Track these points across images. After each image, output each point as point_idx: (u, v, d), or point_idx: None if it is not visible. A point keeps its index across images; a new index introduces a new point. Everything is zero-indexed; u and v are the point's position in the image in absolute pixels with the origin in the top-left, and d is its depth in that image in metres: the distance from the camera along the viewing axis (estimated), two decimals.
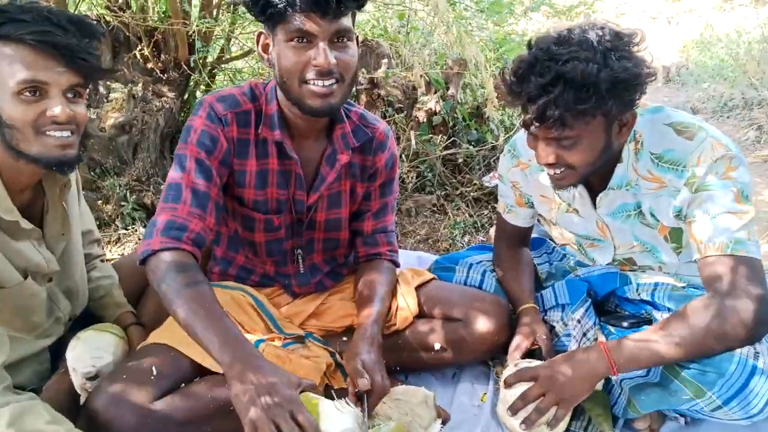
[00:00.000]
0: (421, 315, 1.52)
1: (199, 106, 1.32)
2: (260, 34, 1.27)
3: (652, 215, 1.36)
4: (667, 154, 1.28)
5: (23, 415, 1.04)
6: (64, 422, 1.07)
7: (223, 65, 3.31)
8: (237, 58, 3.37)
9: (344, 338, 1.49)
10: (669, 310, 1.39)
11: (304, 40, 1.18)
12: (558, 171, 1.27)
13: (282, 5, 1.15)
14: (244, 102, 1.33)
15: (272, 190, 1.38)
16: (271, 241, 1.45)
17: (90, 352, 1.29)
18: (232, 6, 3.12)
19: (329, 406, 1.03)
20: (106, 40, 2.75)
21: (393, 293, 1.51)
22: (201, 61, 2.87)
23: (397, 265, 1.59)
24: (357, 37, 1.27)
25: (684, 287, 1.43)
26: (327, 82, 1.20)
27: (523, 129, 1.31)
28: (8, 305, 1.21)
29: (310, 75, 1.20)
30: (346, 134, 1.40)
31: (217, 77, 3.32)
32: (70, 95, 1.12)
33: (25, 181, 1.20)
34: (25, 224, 1.20)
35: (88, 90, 1.20)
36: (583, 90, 1.12)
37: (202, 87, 3.25)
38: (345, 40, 1.21)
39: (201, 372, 1.27)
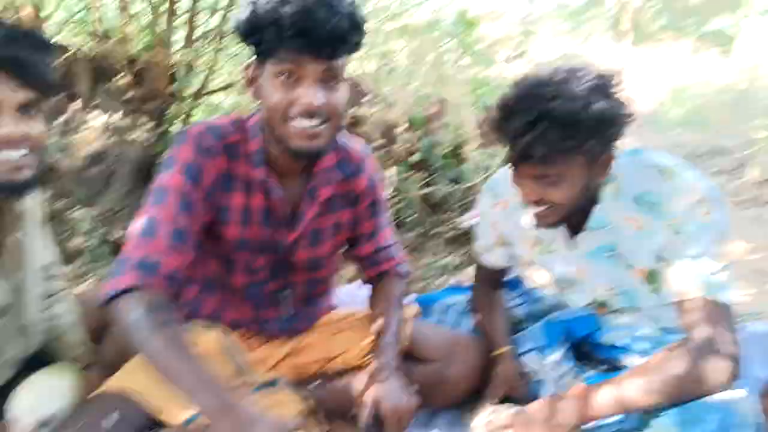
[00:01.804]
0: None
1: (185, 135, 1.26)
2: (249, 64, 1.23)
3: (630, 257, 1.36)
4: (646, 196, 1.28)
5: None
6: None
7: (202, 98, 3.30)
8: (218, 91, 3.36)
9: (318, 381, 1.44)
10: (645, 354, 1.37)
11: (293, 77, 1.14)
12: (541, 209, 1.28)
13: (274, 42, 1.11)
14: (232, 133, 1.29)
15: (255, 229, 1.33)
16: (251, 283, 1.39)
17: (41, 397, 1.20)
18: (218, 38, 3.14)
19: None
20: (83, 67, 2.73)
21: (402, 308, 1.49)
22: (181, 93, 2.85)
23: (405, 275, 1.56)
24: (348, 80, 1.23)
25: (660, 330, 1.42)
26: (312, 123, 1.15)
27: (507, 167, 1.31)
28: None
29: (294, 113, 1.14)
30: (329, 168, 1.37)
31: (195, 110, 3.30)
32: (23, 112, 1.06)
33: None
34: None
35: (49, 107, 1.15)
36: (567, 128, 1.14)
37: (181, 119, 3.23)
38: (335, 81, 1.17)
39: (158, 424, 1.20)
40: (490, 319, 1.58)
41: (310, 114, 1.15)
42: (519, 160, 1.21)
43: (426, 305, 1.71)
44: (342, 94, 1.20)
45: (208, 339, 1.38)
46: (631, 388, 1.17)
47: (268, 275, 1.40)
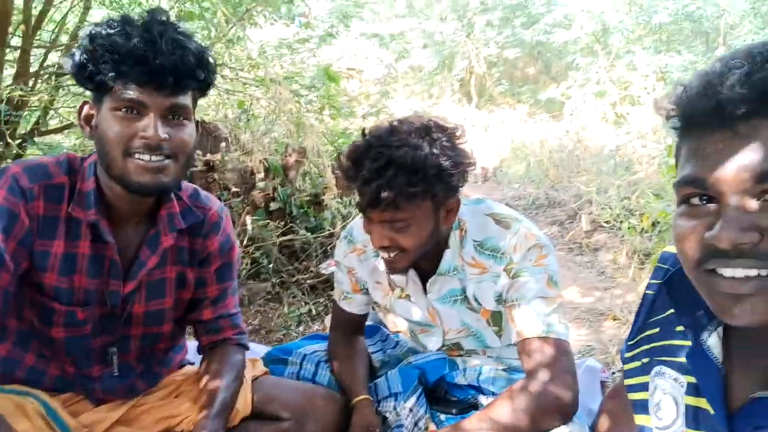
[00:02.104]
0: (250, 416, 1.38)
1: (0, 175, 1.12)
2: (84, 103, 1.15)
3: (476, 300, 1.42)
4: (487, 242, 1.37)
5: None
6: None
7: (36, 138, 2.99)
8: (55, 131, 3.08)
9: None
10: (493, 394, 1.43)
11: (135, 111, 1.08)
12: (391, 254, 1.31)
13: (111, 76, 1.05)
14: (57, 174, 1.16)
15: (80, 278, 1.19)
16: (72, 337, 1.22)
17: None
18: (54, 77, 2.89)
19: None
20: None
21: (241, 379, 1.37)
22: (10, 132, 2.56)
23: (246, 347, 1.45)
24: (197, 121, 1.19)
25: (505, 370, 1.50)
26: (155, 157, 1.09)
27: (359, 214, 1.34)
28: None
29: (136, 147, 1.08)
30: (173, 215, 1.26)
31: (28, 150, 2.98)
32: None
33: None
34: None
35: None
36: (412, 174, 1.19)
37: (9, 161, 2.89)
38: (181, 118, 1.13)
39: None
40: (348, 366, 1.55)
41: (152, 147, 1.09)
42: (368, 205, 1.24)
43: (282, 357, 1.65)
44: (189, 131, 1.15)
45: (24, 403, 1.20)
46: (482, 427, 1.21)
47: (94, 329, 1.25)
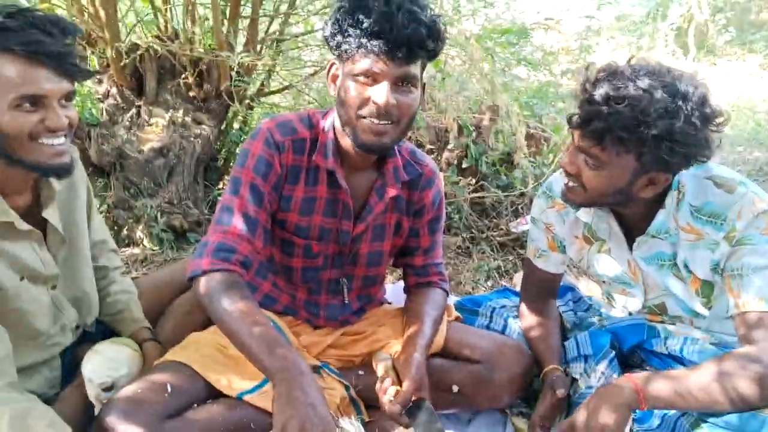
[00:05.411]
0: (441, 354, 1.49)
1: (258, 131, 1.34)
2: (332, 64, 1.29)
3: (686, 267, 1.33)
4: (706, 207, 1.26)
5: (24, 416, 1.03)
6: (64, 428, 1.07)
7: (261, 98, 3.40)
8: (276, 92, 3.45)
9: (360, 372, 1.46)
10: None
11: (370, 78, 1.20)
12: (571, 183, 1.29)
13: (354, 46, 1.18)
14: (301, 129, 1.36)
15: (318, 218, 1.39)
16: (308, 267, 1.45)
17: (106, 363, 1.29)
18: (275, 42, 3.23)
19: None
20: (151, 66, 2.86)
21: (441, 319, 1.51)
22: (241, 93, 2.94)
23: (447, 293, 1.58)
24: (423, 85, 1.29)
25: (716, 344, 1.38)
26: (382, 122, 1.22)
27: (555, 171, 1.31)
28: (9, 308, 1.20)
29: (366, 111, 1.21)
30: (397, 168, 1.42)
31: (255, 110, 3.40)
32: (64, 101, 1.14)
33: (18, 185, 1.21)
34: (20, 225, 1.20)
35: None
36: (635, 122, 1.13)
37: (240, 118, 3.33)
38: (409, 85, 1.22)
39: (214, 395, 1.27)
40: (540, 333, 1.55)
41: (380, 114, 1.20)
42: (578, 124, 1.21)
43: (472, 308, 1.71)
44: (414, 97, 1.24)
45: None
46: (686, 383, 1.13)
47: (326, 263, 1.45)
